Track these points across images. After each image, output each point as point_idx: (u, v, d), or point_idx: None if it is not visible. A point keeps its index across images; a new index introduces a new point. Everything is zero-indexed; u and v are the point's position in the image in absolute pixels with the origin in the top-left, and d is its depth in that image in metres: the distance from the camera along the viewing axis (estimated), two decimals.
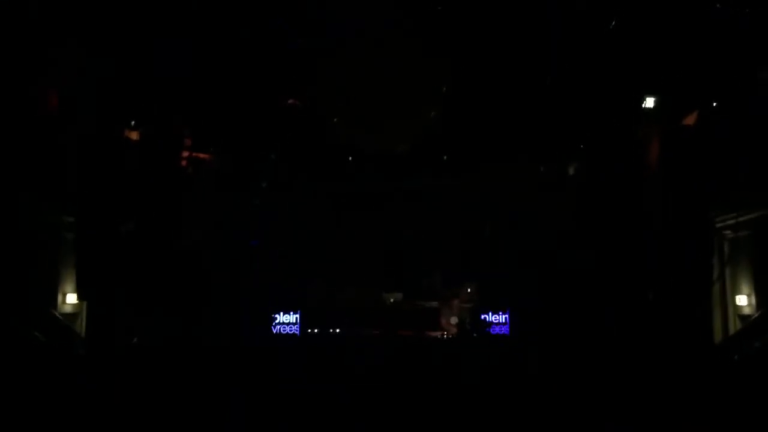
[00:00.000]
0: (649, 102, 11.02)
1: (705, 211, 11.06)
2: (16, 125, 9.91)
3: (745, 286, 11.51)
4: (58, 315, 11.00)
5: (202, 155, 12.35)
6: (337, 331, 13.53)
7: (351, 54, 10.67)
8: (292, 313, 13.66)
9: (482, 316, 13.27)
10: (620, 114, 11.43)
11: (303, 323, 13.58)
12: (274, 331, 13.45)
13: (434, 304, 14.02)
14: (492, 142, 12.68)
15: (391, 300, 14.19)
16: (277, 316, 13.52)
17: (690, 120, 11.01)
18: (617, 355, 9.72)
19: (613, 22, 10.05)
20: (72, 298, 11.42)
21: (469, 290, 13.75)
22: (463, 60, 10.78)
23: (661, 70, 10.43)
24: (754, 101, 10.06)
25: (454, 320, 12.80)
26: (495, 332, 13.20)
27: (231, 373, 8.53)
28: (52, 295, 11.23)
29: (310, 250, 14.27)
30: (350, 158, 13.45)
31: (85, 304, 11.40)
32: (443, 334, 12.79)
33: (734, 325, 11.61)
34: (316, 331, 13.71)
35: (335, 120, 12.02)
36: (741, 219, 11.27)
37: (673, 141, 10.91)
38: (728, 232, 11.67)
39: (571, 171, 13.32)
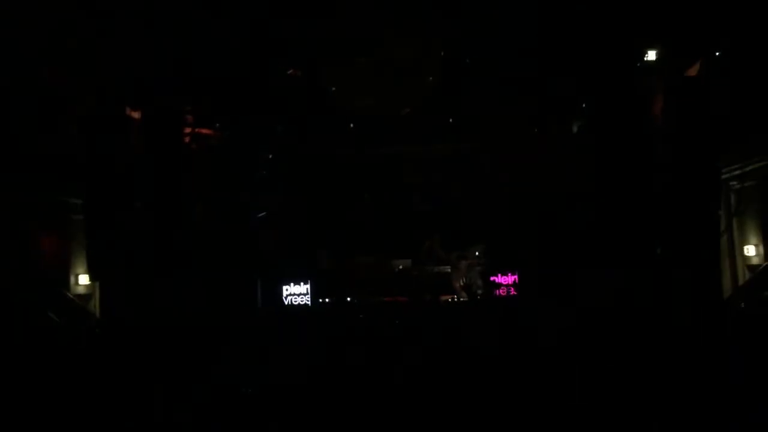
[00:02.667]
0: (651, 54, 10.90)
1: (711, 162, 11.00)
2: (25, 109, 9.97)
3: (753, 237, 11.53)
4: (71, 296, 11.16)
5: (204, 131, 12.35)
6: (348, 299, 13.63)
7: (349, 18, 10.58)
8: (302, 283, 13.75)
9: (491, 278, 13.34)
10: (622, 68, 11.31)
11: (313, 293, 13.69)
12: (286, 302, 13.57)
13: (445, 268, 14.04)
14: (495, 103, 12.58)
15: (400, 267, 14.23)
16: (287, 287, 13.62)
17: (693, 71, 10.89)
18: (626, 311, 9.76)
19: None
20: (84, 279, 11.57)
21: (477, 253, 13.75)
22: (463, 19, 10.67)
23: (661, 21, 10.29)
24: (757, 50, 9.94)
25: (461, 282, 12.84)
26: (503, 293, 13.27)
27: (245, 347, 8.61)
28: (65, 276, 11.40)
29: (317, 220, 14.31)
30: (352, 125, 13.39)
31: (97, 284, 11.57)
32: (450, 298, 12.85)
33: (743, 276, 11.65)
34: (326, 300, 13.81)
35: (334, 88, 11.95)
36: (747, 169, 11.23)
37: (677, 93, 10.81)
38: (734, 182, 11.64)
39: (575, 128, 13.24)
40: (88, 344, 9.24)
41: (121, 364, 7.61)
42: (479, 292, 13.00)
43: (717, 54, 10.48)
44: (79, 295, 11.51)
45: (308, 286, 13.61)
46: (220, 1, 10.13)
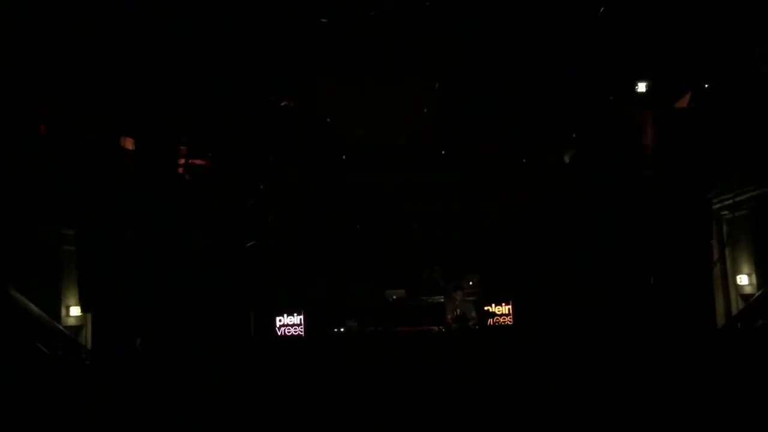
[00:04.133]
0: (641, 86, 11.03)
1: (702, 193, 11.08)
2: (13, 139, 9.96)
3: (746, 266, 11.54)
4: (61, 328, 11.04)
5: (198, 161, 12.38)
6: (341, 330, 13.51)
7: (346, 49, 10.70)
8: (296, 314, 13.65)
9: (485, 308, 13.28)
10: (613, 100, 11.44)
11: (307, 324, 13.58)
12: (279, 333, 13.45)
13: (438, 298, 14.01)
14: (487, 135, 12.70)
15: (394, 297, 14.17)
16: (281, 317, 13.52)
17: (683, 102, 11.02)
18: (619, 341, 9.72)
19: (602, 8, 10.08)
20: (75, 311, 11.47)
21: (470, 283, 13.74)
22: (457, 51, 10.81)
23: (652, 54, 10.44)
24: (747, 80, 10.07)
25: (455, 313, 12.78)
26: (497, 323, 13.20)
27: (237, 378, 8.52)
28: (55, 308, 11.28)
29: (310, 250, 14.28)
30: (344, 157, 13.48)
31: (89, 316, 11.47)
32: (442, 328, 12.79)
33: (736, 305, 11.63)
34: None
35: (328, 120, 12.05)
36: (738, 199, 11.29)
37: (667, 124, 10.92)
38: (726, 212, 11.68)
39: (567, 159, 13.34)
40: (78, 376, 9.12)
41: (110, 397, 7.53)
42: (471, 323, 12.92)
43: (706, 85, 10.62)
44: (70, 327, 11.38)
45: (301, 317, 13.51)
46: (213, 31, 10.22)
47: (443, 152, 13.79)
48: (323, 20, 10.07)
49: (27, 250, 10.63)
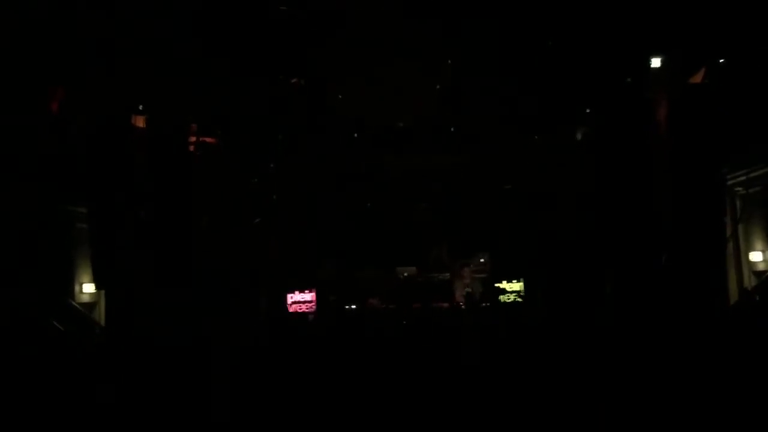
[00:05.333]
0: (656, 62, 10.88)
1: (716, 169, 10.97)
2: (26, 118, 9.99)
3: (759, 243, 11.46)
4: (75, 304, 11.15)
5: (208, 139, 12.39)
6: (353, 307, 13.61)
7: (353, 29, 10.63)
8: (307, 291, 13.73)
9: (495, 285, 13.31)
10: (627, 76, 11.31)
11: (319, 301, 13.67)
12: (290, 310, 13.55)
13: (446, 275, 14.06)
14: (498, 112, 12.61)
15: (405, 274, 14.24)
16: (292, 295, 13.61)
17: (697, 78, 10.88)
18: (634, 318, 9.72)
19: None
20: (89, 288, 11.56)
21: (481, 260, 13.76)
22: (466, 29, 10.70)
23: (665, 29, 10.29)
24: (761, 56, 9.92)
25: (465, 290, 12.84)
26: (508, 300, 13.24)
27: (249, 355, 8.60)
28: (69, 285, 11.39)
29: (322, 228, 14.32)
30: (356, 135, 13.42)
31: (102, 293, 11.56)
32: (455, 304, 12.84)
33: (749, 282, 11.57)
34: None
35: (340, 97, 11.99)
36: (752, 175, 11.18)
37: (681, 100, 10.78)
38: (740, 188, 11.58)
39: (579, 136, 13.23)
40: (92, 352, 9.22)
41: (125, 373, 7.60)
42: (478, 299, 12.95)
43: (721, 61, 10.46)
44: (84, 304, 11.48)
45: (313, 293, 13.59)
46: (224, 11, 10.16)
47: (452, 129, 13.67)
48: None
49: (40, 228, 10.70)
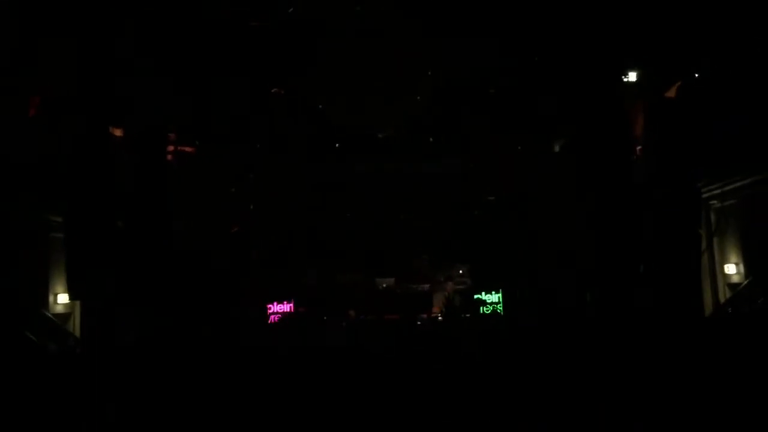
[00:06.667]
0: (632, 76, 11.03)
1: (691, 182, 11.11)
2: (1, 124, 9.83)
3: (733, 255, 11.64)
4: (49, 315, 10.95)
5: (187, 148, 12.27)
6: (331, 318, 13.52)
7: (337, 39, 10.64)
8: (286, 302, 13.64)
9: (475, 296, 13.34)
10: (604, 89, 11.44)
11: (297, 312, 13.58)
12: (270, 321, 13.44)
13: (426, 287, 14.08)
14: (478, 123, 12.69)
15: (383, 285, 14.22)
16: (271, 306, 13.51)
17: (673, 92, 11.04)
18: (609, 328, 9.78)
19: None
20: (63, 299, 11.37)
21: (461, 272, 13.81)
22: (447, 41, 10.77)
23: (642, 42, 10.44)
24: (736, 69, 10.11)
25: (444, 302, 12.85)
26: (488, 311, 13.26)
27: (228, 367, 8.51)
28: (43, 295, 11.19)
29: (301, 238, 14.25)
30: (337, 144, 13.42)
31: (77, 303, 11.37)
32: (433, 315, 12.85)
33: (723, 294, 11.74)
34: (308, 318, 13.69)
35: (320, 106, 11.98)
36: (727, 188, 11.37)
37: (657, 114, 10.93)
38: (714, 201, 11.77)
39: (557, 148, 13.34)
40: (67, 364, 9.05)
41: (100, 385, 7.48)
42: (460, 309, 12.96)
43: (696, 75, 10.64)
44: (58, 314, 11.29)
45: (291, 305, 13.50)
46: (205, 18, 10.12)
47: (431, 140, 13.73)
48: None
49: (14, 238, 10.51)
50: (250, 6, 10.17)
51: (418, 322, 12.22)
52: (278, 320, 13.18)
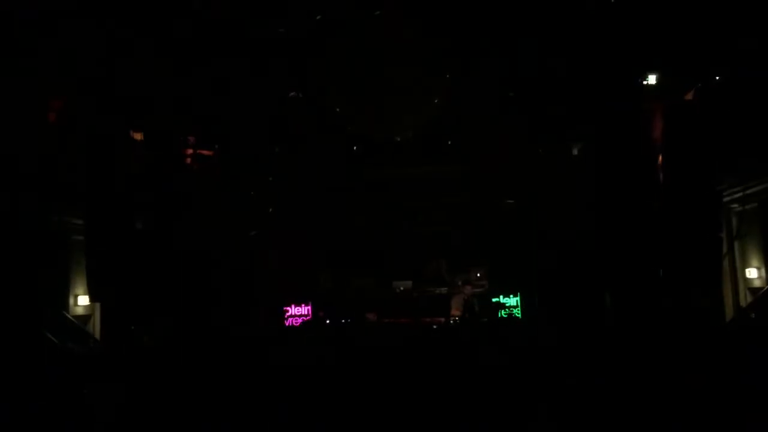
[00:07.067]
0: (651, 78, 10.96)
1: (712, 186, 11.00)
2: (21, 128, 9.96)
3: (755, 260, 11.51)
4: (70, 317, 11.07)
5: (206, 152, 12.38)
6: (349, 321, 13.52)
7: (353, 42, 10.69)
8: (303, 305, 13.68)
9: (493, 300, 13.28)
10: (623, 92, 11.37)
11: (315, 315, 13.61)
12: (287, 324, 13.49)
13: (442, 290, 14.04)
14: (496, 126, 12.66)
15: (401, 288, 14.20)
16: (288, 308, 13.55)
17: (693, 95, 10.94)
18: (629, 333, 9.71)
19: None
20: (84, 300, 11.49)
21: (478, 275, 13.76)
22: (464, 45, 10.78)
23: (662, 45, 10.37)
24: (754, 71, 10.01)
25: (461, 305, 12.78)
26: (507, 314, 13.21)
27: (245, 368, 8.55)
28: (64, 297, 11.31)
29: (319, 241, 14.30)
30: (355, 147, 13.47)
31: (97, 305, 11.49)
32: (451, 320, 12.79)
33: (745, 299, 11.61)
34: (327, 322, 13.72)
35: (338, 110, 12.02)
36: (748, 191, 11.24)
37: (677, 116, 10.84)
38: (736, 205, 11.64)
39: (575, 151, 13.27)
40: (87, 365, 9.14)
41: (121, 386, 7.55)
42: (478, 313, 12.88)
43: (717, 78, 10.54)
44: (78, 316, 11.41)
45: (309, 307, 13.53)
46: (217, 18, 10.19)
47: (449, 143, 13.72)
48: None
49: (36, 240, 10.64)
50: (268, 10, 10.23)
51: (434, 326, 12.20)
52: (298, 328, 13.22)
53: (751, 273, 11.49)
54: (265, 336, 11.88)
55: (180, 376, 7.82)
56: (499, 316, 13.09)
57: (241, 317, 12.11)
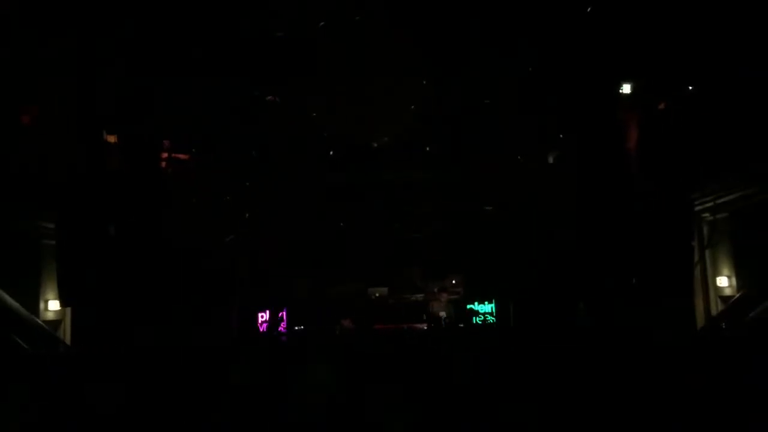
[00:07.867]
0: (626, 88, 11.08)
1: (684, 195, 11.16)
2: None
3: (726, 268, 11.67)
4: (40, 322, 10.88)
5: (181, 156, 12.27)
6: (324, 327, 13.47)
7: (330, 46, 10.67)
8: (274, 311, 13.59)
9: (468, 307, 13.31)
10: (597, 101, 11.49)
11: (289, 321, 13.53)
12: (261, 330, 13.38)
13: (419, 297, 14.05)
14: (472, 134, 12.72)
15: (377, 294, 14.18)
16: (262, 314, 13.46)
17: (665, 104, 11.09)
18: (601, 339, 9.77)
19: (589, 8, 10.12)
20: (54, 305, 11.31)
21: (453, 282, 13.78)
22: (443, 52, 10.82)
23: (637, 55, 10.49)
24: (729, 83, 10.17)
25: (440, 313, 12.80)
26: (480, 322, 13.24)
27: (219, 374, 8.46)
28: (34, 302, 11.12)
29: (294, 247, 14.22)
30: (331, 152, 13.44)
31: (68, 310, 11.32)
32: (425, 326, 12.80)
33: (716, 307, 11.76)
34: (302, 327, 13.66)
35: (314, 114, 12.00)
36: (719, 201, 11.40)
37: (651, 126, 10.98)
38: (707, 214, 11.80)
39: (551, 159, 13.39)
40: (57, 371, 8.99)
41: (92, 392, 7.43)
42: (447, 320, 12.88)
43: (690, 88, 10.69)
44: (49, 321, 11.22)
45: (283, 313, 13.44)
46: (199, 29, 10.14)
47: (427, 149, 13.75)
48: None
49: (4, 243, 10.47)
50: (249, 14, 10.19)
51: (409, 332, 12.20)
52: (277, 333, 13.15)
53: (722, 281, 11.66)
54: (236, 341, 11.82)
55: (153, 381, 7.71)
56: (474, 322, 13.13)
57: (213, 322, 11.97)
